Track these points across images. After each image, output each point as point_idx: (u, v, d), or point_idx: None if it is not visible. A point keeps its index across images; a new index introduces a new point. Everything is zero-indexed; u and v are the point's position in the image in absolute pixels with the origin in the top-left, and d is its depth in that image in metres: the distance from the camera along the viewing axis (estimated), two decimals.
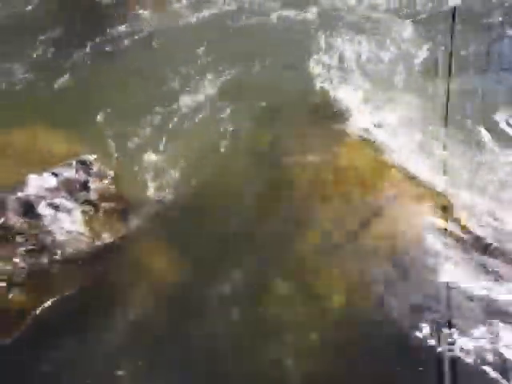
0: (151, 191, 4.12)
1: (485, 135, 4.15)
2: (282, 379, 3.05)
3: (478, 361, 2.84)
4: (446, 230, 3.33)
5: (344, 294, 3.26)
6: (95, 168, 4.10)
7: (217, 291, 3.47)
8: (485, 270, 3.17)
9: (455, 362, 2.85)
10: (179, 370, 3.20)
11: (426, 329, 2.99)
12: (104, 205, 3.98)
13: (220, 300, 3.44)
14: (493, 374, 2.80)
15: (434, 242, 3.30)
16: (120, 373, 3.21)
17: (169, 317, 3.45)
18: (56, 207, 3.76)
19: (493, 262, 3.19)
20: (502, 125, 4.24)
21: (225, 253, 3.66)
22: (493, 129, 4.22)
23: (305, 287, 3.38)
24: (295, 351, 3.11)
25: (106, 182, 4.10)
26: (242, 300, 3.41)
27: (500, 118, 4.30)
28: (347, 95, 4.41)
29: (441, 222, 3.39)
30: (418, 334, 2.98)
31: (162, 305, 3.51)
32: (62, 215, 3.74)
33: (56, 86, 4.72)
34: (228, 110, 4.68)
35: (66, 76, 4.78)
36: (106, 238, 3.84)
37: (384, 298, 3.19)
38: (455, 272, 3.20)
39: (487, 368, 2.81)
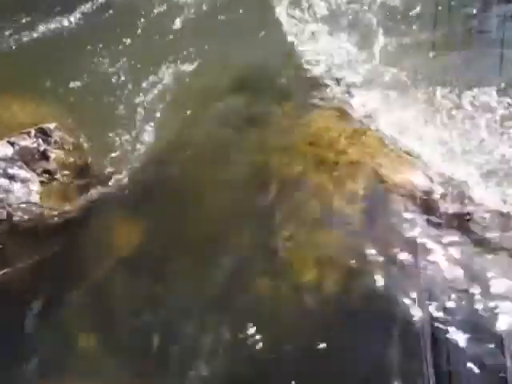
0: (117, 161, 3.92)
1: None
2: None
3: None
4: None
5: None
6: (56, 136, 3.88)
7: (184, 267, 3.27)
8: None
9: None
10: (140, 347, 3.03)
11: None
12: (64, 175, 3.78)
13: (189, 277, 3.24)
14: None
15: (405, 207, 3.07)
16: (78, 348, 3.06)
17: (131, 294, 3.27)
18: (11, 177, 3.56)
19: None
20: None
21: (197, 228, 3.44)
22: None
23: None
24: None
25: (68, 151, 3.89)
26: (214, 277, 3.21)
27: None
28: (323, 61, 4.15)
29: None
30: None
31: (124, 280, 3.33)
32: (17, 185, 3.55)
33: (16, 49, 4.49)
34: (204, 79, 4.45)
35: (27, 40, 4.54)
36: (65, 210, 3.64)
37: None
38: None
39: None
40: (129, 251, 3.39)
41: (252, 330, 2.73)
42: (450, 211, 3.07)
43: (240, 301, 2.89)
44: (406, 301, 2.70)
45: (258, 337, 2.72)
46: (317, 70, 4.15)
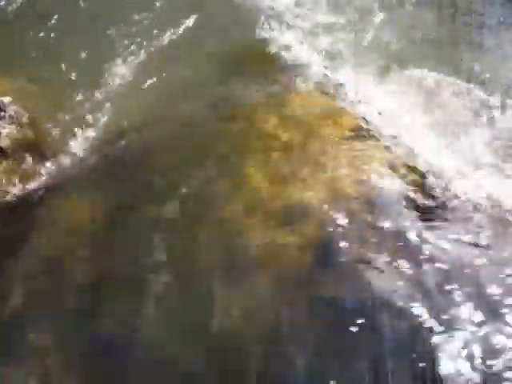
0: (75, 138, 3.68)
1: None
2: None
3: None
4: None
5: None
6: (10, 111, 3.63)
7: (144, 244, 3.02)
8: None
9: None
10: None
11: None
12: (17, 152, 3.54)
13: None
14: None
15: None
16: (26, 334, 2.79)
17: (89, 271, 3.02)
18: None
19: None
20: None
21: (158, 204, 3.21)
22: None
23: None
24: None
25: (22, 126, 3.64)
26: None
27: None
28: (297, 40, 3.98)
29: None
30: None
31: (82, 258, 3.08)
32: None
33: None
34: (175, 58, 4.23)
35: None
36: (17, 189, 3.41)
37: None
38: None
39: None
40: (86, 229, 3.15)
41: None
42: None
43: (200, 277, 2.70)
44: None
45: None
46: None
